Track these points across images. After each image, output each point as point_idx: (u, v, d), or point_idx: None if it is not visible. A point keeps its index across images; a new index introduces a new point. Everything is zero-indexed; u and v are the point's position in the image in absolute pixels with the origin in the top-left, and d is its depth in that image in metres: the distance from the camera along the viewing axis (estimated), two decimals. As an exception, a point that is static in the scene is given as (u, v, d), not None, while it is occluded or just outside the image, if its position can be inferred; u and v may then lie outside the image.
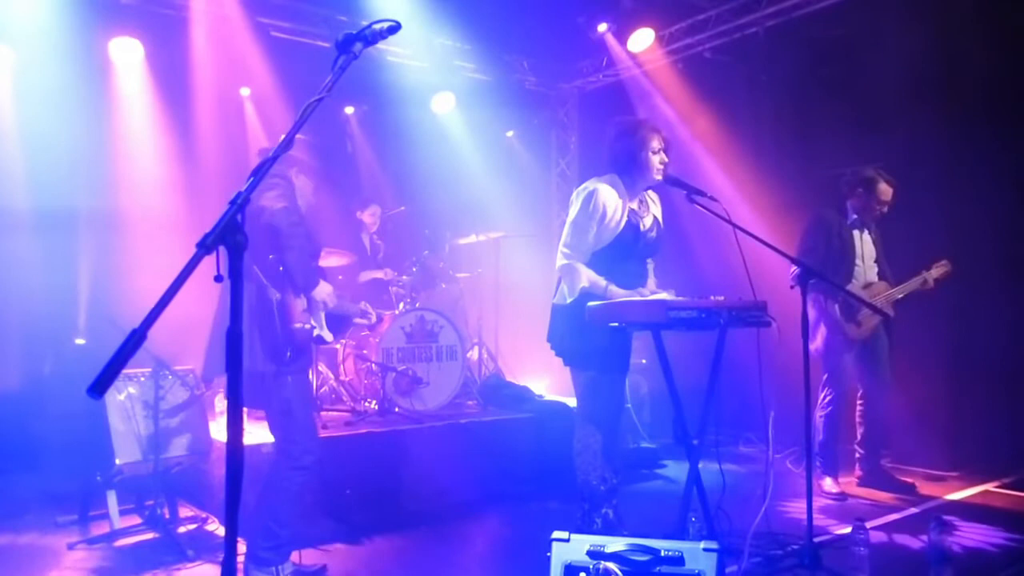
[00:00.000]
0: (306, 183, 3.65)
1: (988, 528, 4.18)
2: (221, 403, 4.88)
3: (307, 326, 3.40)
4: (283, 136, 1.70)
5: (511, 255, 6.94)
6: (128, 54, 5.97)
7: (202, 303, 3.09)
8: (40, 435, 4.78)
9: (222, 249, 1.46)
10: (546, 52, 7.67)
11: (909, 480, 4.99)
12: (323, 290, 3.53)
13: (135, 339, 1.27)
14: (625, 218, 3.70)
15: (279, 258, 3.29)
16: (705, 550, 2.63)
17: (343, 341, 5.67)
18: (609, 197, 3.67)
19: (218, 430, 4.45)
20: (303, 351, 3.43)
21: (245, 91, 6.76)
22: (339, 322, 4.03)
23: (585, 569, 2.65)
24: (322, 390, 5.42)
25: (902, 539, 4.02)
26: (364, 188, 6.99)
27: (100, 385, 1.22)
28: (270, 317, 3.30)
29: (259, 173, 1.59)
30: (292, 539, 3.39)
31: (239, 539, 2.30)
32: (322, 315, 3.58)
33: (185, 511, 4.32)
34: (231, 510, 1.53)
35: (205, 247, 1.41)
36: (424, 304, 5.84)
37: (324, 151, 6.64)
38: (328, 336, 3.63)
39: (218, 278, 1.48)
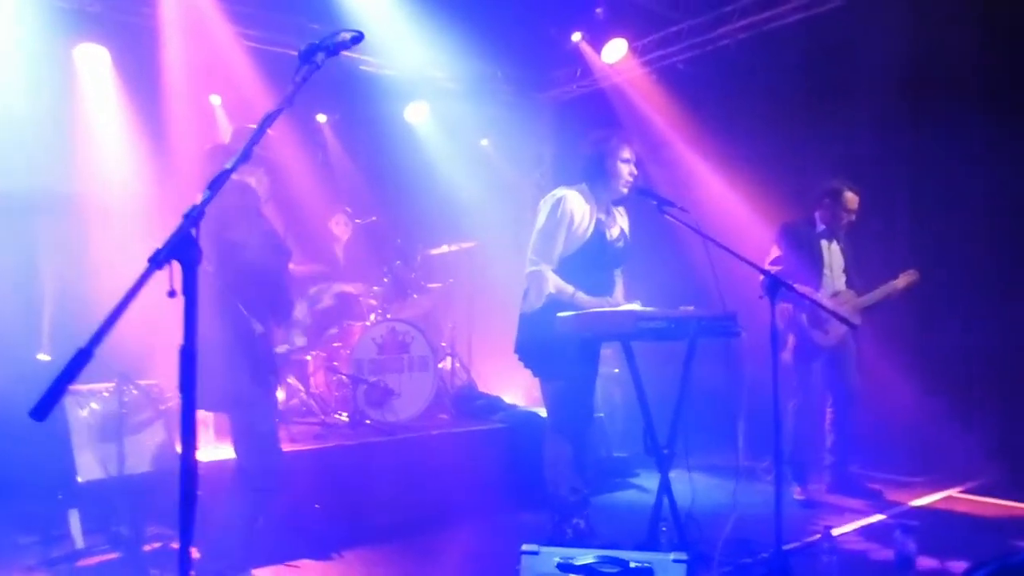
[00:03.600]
0: (268, 182, 3.58)
1: (951, 533, 4.24)
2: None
3: (285, 347, 3.40)
4: (241, 149, 1.67)
5: (484, 265, 6.93)
6: (94, 61, 5.88)
7: (169, 316, 3.05)
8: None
9: (176, 264, 1.43)
10: (521, 62, 7.68)
11: (876, 486, 5.04)
12: (299, 311, 3.52)
13: (81, 358, 1.24)
14: (592, 226, 3.71)
15: (270, 297, 3.28)
16: (674, 561, 2.63)
17: (313, 353, 5.62)
18: (577, 204, 3.68)
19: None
20: (279, 370, 3.42)
21: (216, 99, 6.70)
22: None
23: (554, 582, 2.64)
24: (292, 402, 5.36)
25: (869, 545, 4.06)
26: (336, 198, 6.94)
27: (43, 407, 1.19)
28: (252, 346, 3.27)
29: (215, 186, 1.56)
30: (250, 558, 3.35)
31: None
32: (294, 329, 3.58)
33: (151, 529, 4.24)
34: (186, 527, 1.51)
35: (157, 262, 1.39)
36: (395, 315, 5.80)
37: (296, 160, 6.64)
38: (301, 341, 3.62)
39: (171, 294, 1.45)
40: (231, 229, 3.16)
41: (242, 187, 3.35)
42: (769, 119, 6.33)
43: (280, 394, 5.14)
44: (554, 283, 3.65)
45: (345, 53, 7.40)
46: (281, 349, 3.30)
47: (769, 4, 6.10)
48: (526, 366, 3.87)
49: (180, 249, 1.43)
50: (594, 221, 3.74)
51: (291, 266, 5.25)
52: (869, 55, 5.58)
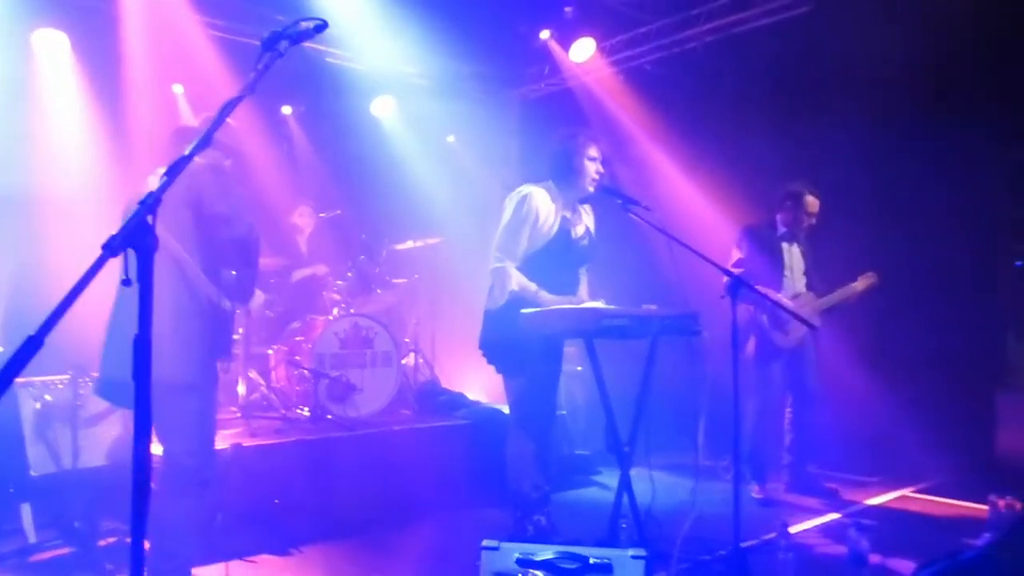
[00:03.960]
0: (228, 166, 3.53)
1: (904, 532, 4.33)
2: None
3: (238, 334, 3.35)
4: (201, 134, 1.65)
5: (449, 261, 6.91)
6: (53, 47, 5.74)
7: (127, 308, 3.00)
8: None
9: (130, 252, 1.40)
10: (489, 59, 7.67)
11: (833, 486, 5.12)
12: (257, 299, 3.47)
13: (31, 345, 1.21)
14: (557, 224, 3.72)
15: (241, 272, 3.21)
16: (633, 557, 2.65)
17: (275, 347, 5.56)
18: (542, 202, 3.69)
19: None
20: (230, 357, 3.37)
21: (179, 88, 6.59)
22: None
23: (513, 577, 2.65)
24: (252, 397, 5.29)
25: (825, 543, 4.13)
26: (300, 190, 6.87)
27: (-10, 394, 1.16)
28: (216, 327, 3.20)
29: (173, 172, 1.53)
30: (193, 556, 3.25)
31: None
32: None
33: (106, 524, 4.16)
34: (139, 521, 1.48)
35: (111, 249, 1.35)
36: (359, 310, 5.76)
37: (260, 151, 6.56)
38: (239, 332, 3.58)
39: (126, 282, 1.41)
40: (217, 204, 3.09)
41: (215, 166, 3.29)
42: (734, 121, 6.40)
43: (240, 388, 5.10)
44: (517, 280, 3.65)
45: (311, 45, 7.33)
46: (237, 337, 3.23)
47: (736, 7, 6.17)
48: (489, 362, 3.87)
49: (135, 236, 1.40)
50: (559, 219, 3.75)
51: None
52: (833, 60, 5.67)
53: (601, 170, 3.78)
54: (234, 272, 3.19)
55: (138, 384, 1.42)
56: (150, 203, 1.44)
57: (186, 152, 1.60)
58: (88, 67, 5.88)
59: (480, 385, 6.67)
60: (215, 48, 6.14)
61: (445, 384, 6.40)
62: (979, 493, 4.27)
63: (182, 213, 3.07)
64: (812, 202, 5.00)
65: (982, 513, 4.02)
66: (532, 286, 3.65)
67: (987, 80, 5.10)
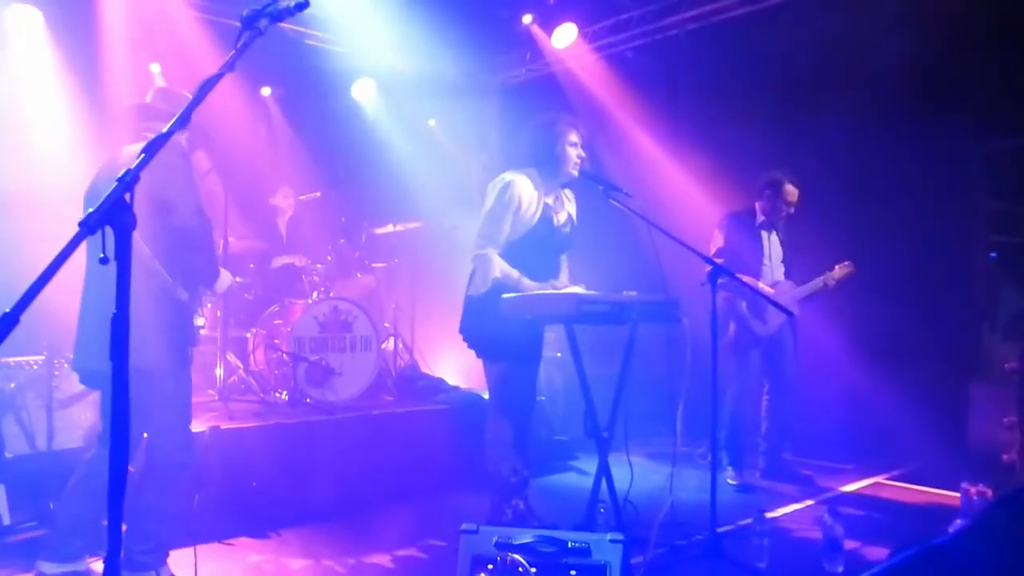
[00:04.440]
0: (200, 155, 3.48)
1: (878, 518, 4.40)
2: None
3: (202, 319, 3.30)
4: (178, 113, 1.62)
5: (429, 246, 6.89)
6: (26, 23, 5.62)
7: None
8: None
9: (108, 230, 1.38)
10: (470, 43, 7.61)
11: (808, 472, 5.19)
12: (224, 281, 3.41)
13: (6, 323, 1.19)
14: (540, 211, 3.71)
15: (190, 259, 3.17)
16: (611, 541, 2.66)
17: (253, 330, 5.53)
18: (525, 189, 3.68)
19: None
20: (195, 344, 3.34)
21: (155, 67, 6.48)
22: None
23: (492, 560, 2.65)
24: (231, 380, 5.26)
25: (800, 529, 4.18)
26: (279, 173, 6.80)
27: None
28: (176, 315, 3.16)
29: (151, 149, 1.50)
30: (170, 539, 3.24)
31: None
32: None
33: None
34: (115, 504, 1.46)
35: (88, 227, 1.33)
36: (339, 294, 5.73)
37: (239, 133, 6.48)
38: (200, 322, 3.54)
39: (103, 260, 1.39)
40: (169, 189, 3.01)
41: (181, 148, 3.23)
42: (714, 110, 6.42)
43: (218, 371, 5.06)
44: (500, 267, 3.64)
45: (291, 26, 7.25)
46: (200, 321, 3.17)
47: (717, -5, 6.17)
48: (470, 347, 3.86)
49: (113, 214, 1.38)
50: (541, 206, 3.74)
51: (231, 240, 5.16)
52: (813, 52, 5.69)
53: (583, 154, 3.77)
54: (181, 256, 3.15)
55: (116, 364, 1.40)
56: (127, 180, 1.41)
57: (164, 130, 1.57)
58: (63, 44, 5.75)
59: (459, 370, 6.67)
60: (193, 27, 6.05)
61: (424, 369, 6.40)
62: (951, 480, 4.34)
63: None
64: (792, 191, 5.02)
65: (954, 500, 4.09)
66: (514, 273, 3.64)
67: (966, 73, 5.14)
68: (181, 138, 3.31)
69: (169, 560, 3.25)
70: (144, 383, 2.99)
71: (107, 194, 1.38)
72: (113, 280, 1.40)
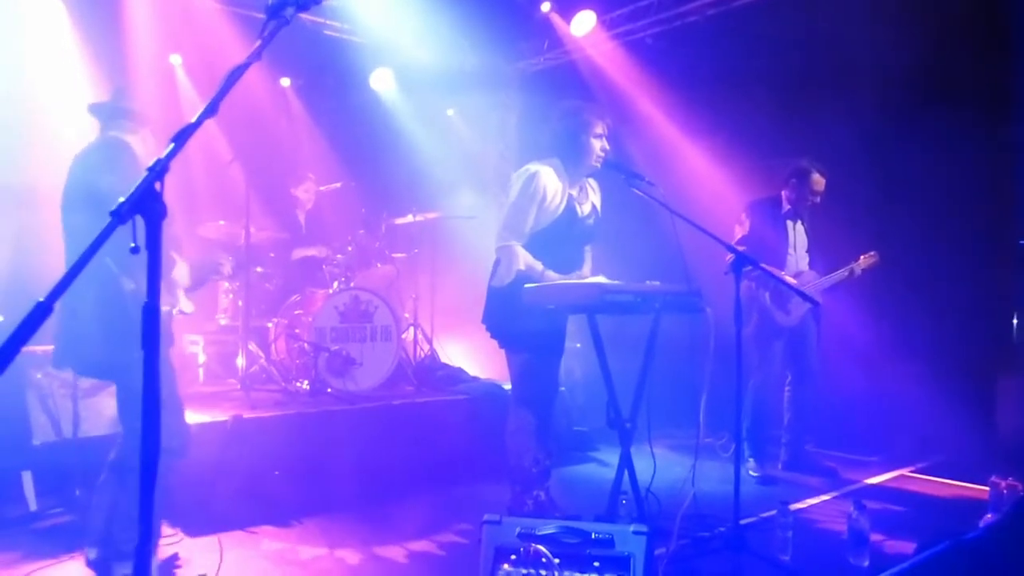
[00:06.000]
0: (152, 144, 3.30)
1: (904, 511, 4.35)
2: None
3: (167, 308, 3.18)
4: (208, 102, 1.61)
5: (448, 236, 6.88)
6: (49, 15, 5.63)
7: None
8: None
9: (139, 219, 1.37)
10: (488, 32, 7.57)
11: (832, 464, 5.15)
12: (180, 271, 3.29)
13: (40, 311, 1.19)
14: (564, 202, 3.69)
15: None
16: (635, 533, 2.65)
17: (274, 320, 5.54)
18: (550, 180, 3.65)
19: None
20: (167, 335, 3.20)
21: (176, 59, 6.50)
22: (198, 283, 3.89)
23: (516, 551, 2.64)
24: (252, 369, 5.28)
25: (824, 522, 4.15)
26: (300, 163, 6.81)
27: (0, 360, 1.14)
28: (123, 308, 3.01)
29: (180, 139, 1.50)
30: (159, 530, 3.23)
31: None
32: (180, 291, 3.40)
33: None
34: (147, 493, 1.46)
35: (120, 216, 1.33)
36: (359, 284, 5.73)
37: (260, 124, 6.49)
38: (190, 308, 3.45)
39: (135, 250, 1.39)
40: (102, 178, 2.92)
41: (115, 142, 3.16)
42: (735, 97, 6.33)
43: (240, 360, 5.08)
44: (524, 259, 3.63)
45: (310, 17, 7.22)
46: (164, 309, 3.06)
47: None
48: (493, 337, 3.85)
49: (143, 203, 1.38)
50: (566, 198, 3.71)
51: (252, 230, 5.17)
52: (833, 37, 5.59)
53: (607, 147, 3.74)
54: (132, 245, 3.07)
55: (147, 351, 1.40)
56: (157, 169, 1.41)
57: (192, 120, 1.56)
58: (85, 38, 5.76)
59: (478, 360, 6.67)
60: (216, 19, 6.05)
61: (444, 359, 6.40)
62: (979, 474, 4.29)
63: (79, 194, 3.00)
64: (818, 180, 4.96)
65: (982, 494, 4.04)
66: (539, 265, 3.63)
67: (995, 59, 5.05)
68: (133, 137, 3.22)
69: (184, 548, 3.26)
70: (121, 376, 3.01)
71: (137, 183, 1.37)
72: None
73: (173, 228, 3.31)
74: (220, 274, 3.79)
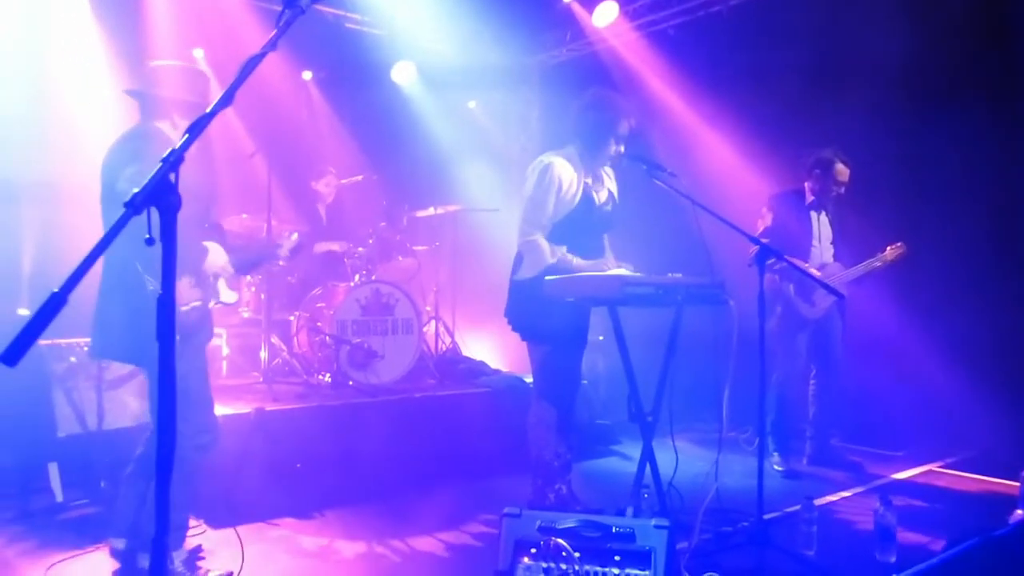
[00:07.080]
0: (181, 122, 3.16)
1: (932, 507, 4.28)
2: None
3: (197, 303, 3.01)
4: (224, 91, 1.59)
5: (469, 229, 6.87)
6: (72, 8, 5.67)
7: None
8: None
9: (154, 210, 1.37)
10: (509, 23, 7.53)
11: (857, 459, 5.08)
12: (216, 261, 3.10)
13: (54, 302, 1.18)
14: (580, 191, 3.66)
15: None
16: (656, 527, 2.62)
17: (296, 313, 5.57)
18: (564, 170, 3.63)
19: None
20: (197, 330, 3.06)
21: (199, 52, 6.53)
22: (250, 267, 3.75)
23: (536, 545, 2.63)
24: (275, 362, 5.32)
25: (849, 517, 4.09)
26: (322, 156, 6.83)
27: (14, 351, 1.14)
28: (147, 309, 2.97)
29: (195, 130, 1.49)
30: (187, 523, 3.21)
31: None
32: (220, 281, 3.17)
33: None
34: (163, 484, 1.46)
35: (134, 207, 1.32)
36: (380, 277, 5.74)
37: (281, 117, 6.51)
38: (231, 298, 3.28)
39: (150, 241, 1.38)
40: (123, 171, 2.82)
41: (139, 132, 3.10)
42: (758, 88, 6.25)
43: (263, 353, 5.11)
44: (552, 252, 3.62)
45: (331, 9, 7.20)
46: (186, 308, 2.89)
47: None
48: (515, 330, 3.84)
49: (158, 194, 1.37)
50: (582, 186, 3.69)
51: (274, 223, 5.19)
52: (858, 27, 5.51)
53: (621, 150, 3.71)
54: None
55: (162, 343, 1.40)
56: (171, 160, 1.40)
57: (208, 110, 1.55)
58: (108, 30, 5.79)
59: (500, 353, 6.66)
60: (239, 12, 6.06)
61: (465, 352, 6.40)
62: (1009, 469, 4.21)
63: (108, 189, 2.93)
64: (842, 170, 4.88)
65: (1013, 490, 3.95)
66: (569, 256, 3.62)
67: (1018, 49, 4.94)
68: (182, 123, 3.13)
69: (208, 540, 3.26)
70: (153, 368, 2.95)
71: (152, 174, 1.37)
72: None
73: (209, 215, 3.21)
74: (276, 257, 3.64)
